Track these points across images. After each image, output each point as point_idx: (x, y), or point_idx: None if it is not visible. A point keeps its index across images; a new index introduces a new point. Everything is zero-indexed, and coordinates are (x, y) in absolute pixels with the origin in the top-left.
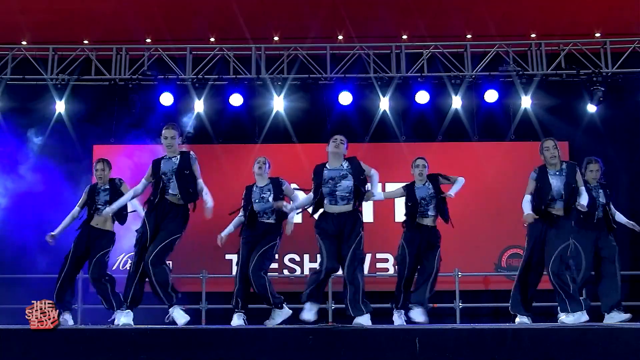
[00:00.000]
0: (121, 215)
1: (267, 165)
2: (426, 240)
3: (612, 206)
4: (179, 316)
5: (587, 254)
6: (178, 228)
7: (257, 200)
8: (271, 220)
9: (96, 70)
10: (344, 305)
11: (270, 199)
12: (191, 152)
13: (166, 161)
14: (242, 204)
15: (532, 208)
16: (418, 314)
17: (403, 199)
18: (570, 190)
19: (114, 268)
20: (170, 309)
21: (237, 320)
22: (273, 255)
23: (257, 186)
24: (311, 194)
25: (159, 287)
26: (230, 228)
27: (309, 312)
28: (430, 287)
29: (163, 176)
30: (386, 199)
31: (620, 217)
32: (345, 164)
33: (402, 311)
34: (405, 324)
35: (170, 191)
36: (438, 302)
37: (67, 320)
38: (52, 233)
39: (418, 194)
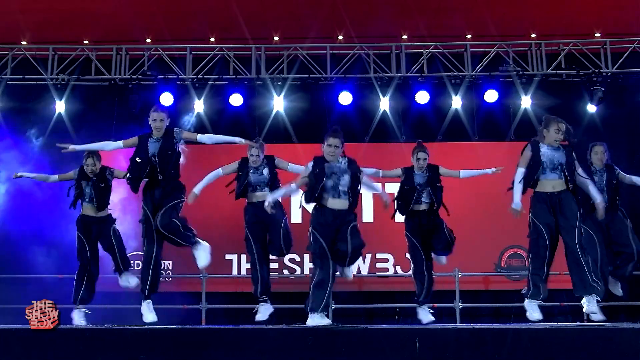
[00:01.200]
0: (103, 203)
1: (261, 155)
2: (430, 223)
3: (624, 177)
4: (204, 254)
5: (600, 243)
6: (178, 195)
7: (252, 171)
8: (265, 192)
9: (96, 70)
10: (343, 305)
11: (265, 172)
12: (175, 128)
13: (153, 142)
14: (237, 175)
15: (525, 179)
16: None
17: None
18: (571, 168)
19: None
20: (193, 249)
21: (266, 311)
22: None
23: (252, 166)
24: (294, 184)
25: (178, 237)
26: (203, 182)
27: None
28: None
29: (153, 158)
30: (383, 177)
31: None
32: (344, 161)
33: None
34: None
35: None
36: (438, 302)
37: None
38: (20, 173)
39: (416, 179)
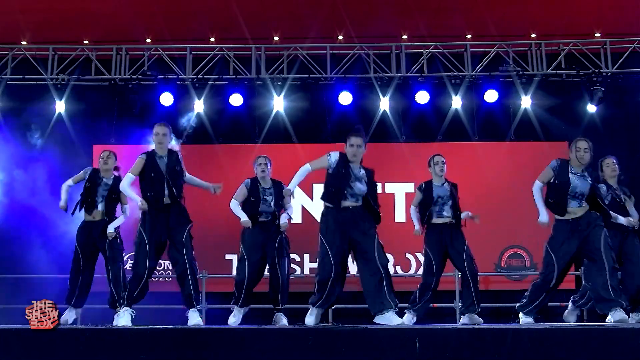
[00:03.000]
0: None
1: (269, 166)
2: (450, 239)
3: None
4: (194, 318)
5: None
6: (187, 220)
7: (262, 202)
8: (266, 219)
9: (96, 70)
10: (343, 305)
11: (272, 203)
12: (179, 152)
13: (159, 159)
14: (249, 197)
15: (550, 204)
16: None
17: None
18: (593, 194)
19: None
20: (191, 310)
21: (235, 318)
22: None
23: (261, 186)
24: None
25: (194, 293)
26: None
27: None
28: (474, 290)
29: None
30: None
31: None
32: (362, 171)
33: (415, 313)
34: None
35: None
36: (438, 302)
37: (71, 317)
38: (62, 205)
39: (436, 192)
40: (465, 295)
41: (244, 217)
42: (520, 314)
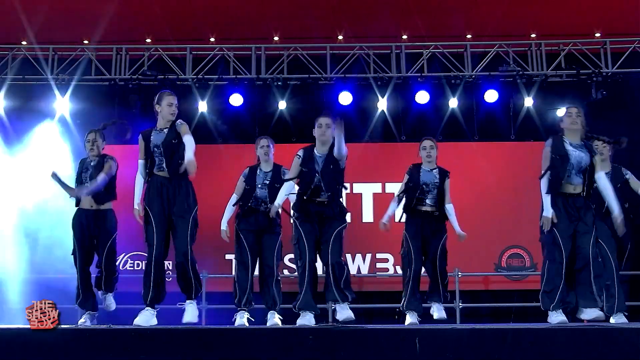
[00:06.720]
0: (110, 194)
1: (272, 148)
2: (429, 228)
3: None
4: (193, 313)
5: (612, 252)
6: (193, 203)
7: (259, 186)
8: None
9: (96, 70)
10: None
11: (267, 186)
12: (178, 119)
13: (157, 133)
14: (244, 187)
15: (548, 186)
16: (437, 310)
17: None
18: (592, 170)
19: None
20: (188, 302)
21: (240, 320)
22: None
23: (261, 170)
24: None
25: (194, 282)
26: (226, 216)
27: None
28: (443, 286)
29: (155, 149)
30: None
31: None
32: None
33: (415, 312)
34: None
35: (164, 166)
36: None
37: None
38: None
39: (422, 178)
40: (433, 287)
41: (224, 225)
42: (549, 313)
